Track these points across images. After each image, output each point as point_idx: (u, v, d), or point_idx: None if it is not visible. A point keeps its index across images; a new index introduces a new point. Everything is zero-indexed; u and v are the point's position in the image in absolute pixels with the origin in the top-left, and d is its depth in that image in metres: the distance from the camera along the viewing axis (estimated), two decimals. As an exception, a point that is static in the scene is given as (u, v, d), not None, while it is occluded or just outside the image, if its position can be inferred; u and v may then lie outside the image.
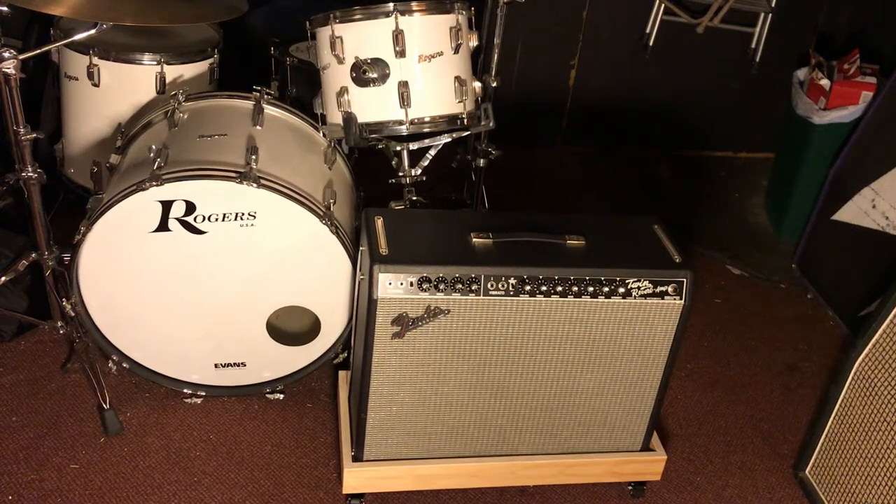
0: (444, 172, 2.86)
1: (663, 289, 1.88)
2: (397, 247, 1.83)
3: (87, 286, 2.20)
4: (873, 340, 2.00)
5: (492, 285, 1.81)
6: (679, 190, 3.78)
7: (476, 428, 2.02)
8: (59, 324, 2.34)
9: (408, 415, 1.96)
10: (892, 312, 1.94)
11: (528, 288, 1.82)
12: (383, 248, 1.81)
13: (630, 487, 2.19)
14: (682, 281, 1.89)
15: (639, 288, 1.87)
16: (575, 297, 1.85)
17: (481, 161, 2.82)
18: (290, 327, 2.27)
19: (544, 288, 1.83)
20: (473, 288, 1.80)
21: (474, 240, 1.87)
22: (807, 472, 2.26)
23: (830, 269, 3.03)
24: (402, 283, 1.78)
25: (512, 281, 1.81)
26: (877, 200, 2.78)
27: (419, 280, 1.78)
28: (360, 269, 1.96)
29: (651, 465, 2.15)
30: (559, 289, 1.83)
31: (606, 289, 1.85)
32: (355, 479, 2.01)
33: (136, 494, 2.03)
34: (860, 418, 2.05)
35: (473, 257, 1.83)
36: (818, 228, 3.07)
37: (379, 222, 1.91)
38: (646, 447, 2.14)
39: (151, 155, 2.10)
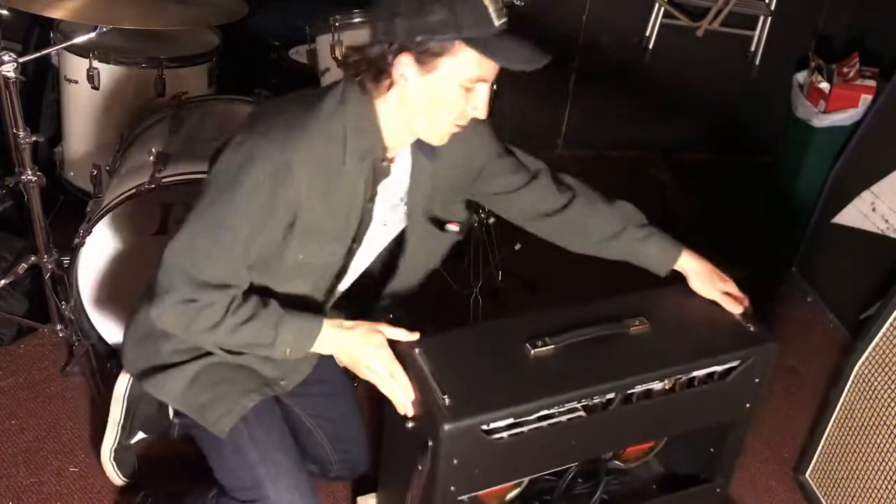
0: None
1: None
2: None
3: (87, 289, 2.20)
4: (873, 343, 2.00)
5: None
6: (679, 193, 3.78)
7: None
8: (59, 327, 2.34)
9: None
10: (892, 315, 1.94)
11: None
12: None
13: None
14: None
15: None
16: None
17: (481, 164, 2.81)
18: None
19: (630, 391, 1.55)
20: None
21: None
22: (807, 475, 2.25)
23: (830, 272, 3.03)
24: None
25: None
26: (876, 203, 2.78)
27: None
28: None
29: None
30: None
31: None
32: None
33: (135, 497, 2.02)
34: (860, 421, 2.05)
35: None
36: (818, 231, 3.06)
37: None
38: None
39: (151, 158, 2.10)
